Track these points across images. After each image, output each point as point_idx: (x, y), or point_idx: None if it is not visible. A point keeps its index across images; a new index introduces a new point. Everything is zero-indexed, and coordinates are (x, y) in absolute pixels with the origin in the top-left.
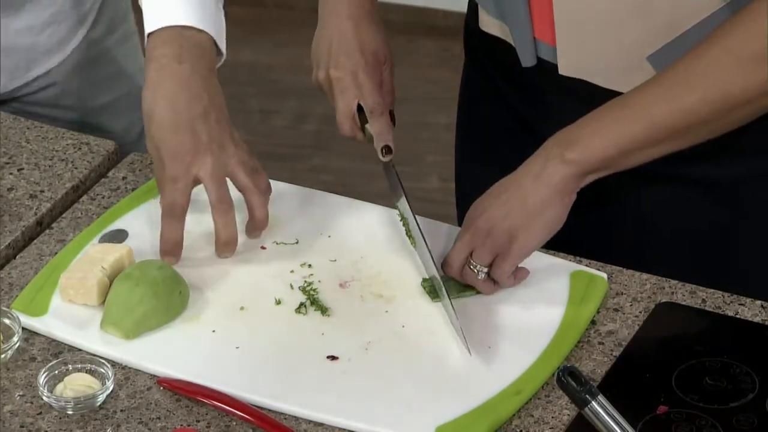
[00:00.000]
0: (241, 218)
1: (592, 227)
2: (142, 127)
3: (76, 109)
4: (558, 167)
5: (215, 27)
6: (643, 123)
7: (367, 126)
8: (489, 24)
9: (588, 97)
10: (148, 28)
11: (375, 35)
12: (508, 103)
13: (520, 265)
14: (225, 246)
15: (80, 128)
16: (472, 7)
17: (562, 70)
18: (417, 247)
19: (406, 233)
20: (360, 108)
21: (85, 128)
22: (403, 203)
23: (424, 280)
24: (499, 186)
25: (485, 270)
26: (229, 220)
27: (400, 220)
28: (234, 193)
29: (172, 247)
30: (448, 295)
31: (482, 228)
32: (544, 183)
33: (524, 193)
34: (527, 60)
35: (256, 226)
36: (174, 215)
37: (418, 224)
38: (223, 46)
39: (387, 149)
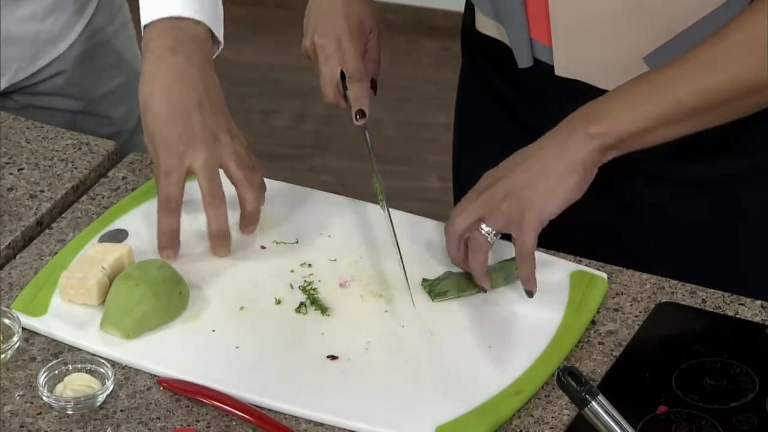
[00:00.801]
0: (237, 218)
1: (593, 227)
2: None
3: (80, 97)
4: (583, 140)
5: (212, 17)
6: (669, 101)
7: (348, 92)
8: (485, 25)
9: (585, 98)
10: (145, 19)
11: (362, 5)
12: (506, 104)
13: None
14: (217, 239)
15: (82, 117)
16: (469, 9)
17: (559, 71)
18: (385, 212)
19: (378, 198)
20: (344, 76)
21: (86, 116)
22: (375, 167)
23: (424, 280)
24: (519, 155)
25: (495, 235)
26: (220, 214)
27: (375, 185)
28: (232, 193)
29: (169, 239)
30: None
31: (499, 193)
32: (568, 154)
33: (546, 163)
34: (524, 61)
35: (247, 220)
36: (169, 209)
37: (383, 189)
38: (220, 35)
39: (361, 113)
